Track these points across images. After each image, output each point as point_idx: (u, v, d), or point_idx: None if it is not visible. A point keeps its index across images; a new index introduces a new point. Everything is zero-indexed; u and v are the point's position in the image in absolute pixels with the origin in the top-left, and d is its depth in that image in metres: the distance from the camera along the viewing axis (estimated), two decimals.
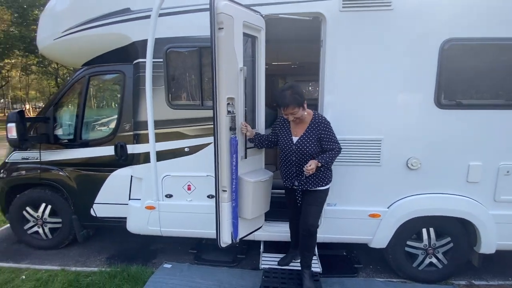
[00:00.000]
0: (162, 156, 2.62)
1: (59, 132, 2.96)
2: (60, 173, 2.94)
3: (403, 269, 2.57)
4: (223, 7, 1.86)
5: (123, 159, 2.78)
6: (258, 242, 2.87)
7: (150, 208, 2.72)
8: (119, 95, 2.91)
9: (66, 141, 2.94)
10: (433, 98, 2.25)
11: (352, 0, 2.22)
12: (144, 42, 2.42)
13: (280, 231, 2.64)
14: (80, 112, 2.89)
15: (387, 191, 2.44)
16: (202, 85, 2.52)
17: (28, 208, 3.07)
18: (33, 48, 19.27)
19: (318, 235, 2.31)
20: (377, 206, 2.46)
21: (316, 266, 2.50)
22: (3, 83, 28.92)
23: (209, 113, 2.51)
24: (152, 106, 2.51)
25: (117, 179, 2.85)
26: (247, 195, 2.17)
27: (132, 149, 2.76)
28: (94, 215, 2.96)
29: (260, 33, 2.27)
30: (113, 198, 2.90)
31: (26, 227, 3.14)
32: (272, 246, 2.86)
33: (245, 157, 2.26)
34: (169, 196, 2.70)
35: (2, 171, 3.11)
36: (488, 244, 2.35)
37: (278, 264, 2.57)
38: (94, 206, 2.93)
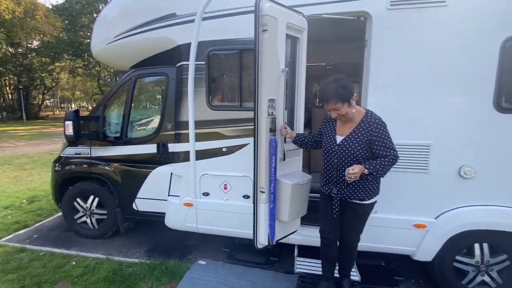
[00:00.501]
0: (201, 155, 2.71)
1: (107, 130, 3.18)
2: (107, 168, 3.16)
3: (450, 286, 2.38)
4: (268, 9, 1.88)
5: (164, 157, 2.92)
6: (291, 245, 2.83)
7: (188, 205, 2.81)
8: (162, 96, 3.06)
9: (113, 138, 3.15)
10: (492, 101, 2.06)
11: None
12: (188, 45, 2.53)
13: (316, 236, 2.57)
14: (126, 112, 3.08)
15: (435, 201, 2.27)
16: (242, 86, 2.56)
17: (78, 199, 3.35)
18: (80, 52, 21.13)
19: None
20: (423, 216, 2.30)
21: (354, 274, 2.40)
22: (54, 84, 31.98)
23: (247, 114, 2.56)
24: (194, 107, 2.61)
25: (158, 176, 2.99)
26: (285, 197, 2.15)
27: (173, 147, 2.89)
28: (136, 209, 3.14)
29: (302, 34, 2.25)
30: (153, 193, 3.05)
31: (76, 216, 3.42)
32: (306, 251, 2.80)
33: (284, 159, 2.25)
34: (206, 194, 2.78)
35: (57, 164, 3.42)
36: None
37: None
38: (136, 200, 3.11)
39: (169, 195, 2.98)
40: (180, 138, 2.80)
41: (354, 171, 1.74)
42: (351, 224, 2.04)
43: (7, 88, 27.49)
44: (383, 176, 1.88)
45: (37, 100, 30.00)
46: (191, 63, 2.49)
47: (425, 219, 2.29)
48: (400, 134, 2.22)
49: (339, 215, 2.04)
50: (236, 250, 3.08)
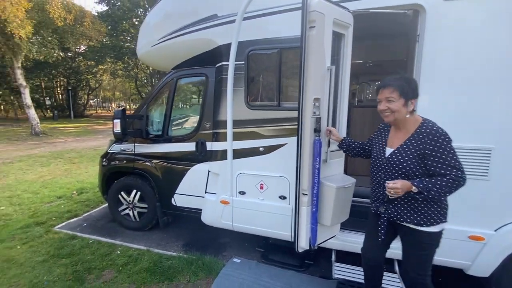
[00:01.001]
0: (237, 154, 2.73)
1: (150, 128, 3.35)
2: (149, 164, 3.33)
3: None
4: (316, 4, 1.82)
5: (202, 155, 3.00)
6: (327, 249, 2.74)
7: (224, 202, 2.86)
8: (201, 96, 3.14)
9: (155, 136, 3.31)
10: None
11: None
12: (228, 46, 2.56)
13: (355, 242, 2.47)
14: (167, 111, 3.22)
15: (496, 211, 2.05)
16: (281, 86, 2.54)
17: (122, 193, 3.57)
18: (121, 55, 22.63)
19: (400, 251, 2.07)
20: (480, 227, 2.09)
21: (399, 286, 2.25)
22: (97, 85, 34.68)
23: (285, 114, 2.54)
24: (232, 107, 2.64)
25: (196, 173, 3.08)
26: (329, 201, 2.08)
27: (210, 146, 2.95)
28: (175, 204, 3.27)
29: (348, 30, 2.16)
30: (191, 190, 3.14)
31: (120, 208, 3.65)
32: (344, 256, 2.70)
33: (326, 161, 2.18)
34: (242, 193, 2.80)
35: (104, 159, 3.69)
36: None
37: None
38: (175, 196, 3.23)
39: (206, 192, 3.05)
40: (218, 137, 2.86)
41: (395, 185, 1.51)
42: (410, 253, 1.72)
43: (58, 89, 30.44)
44: (441, 198, 1.58)
45: (82, 100, 32.79)
46: (231, 63, 2.51)
47: (483, 231, 2.08)
48: (457, 137, 2.01)
49: (386, 237, 1.78)
50: (270, 250, 3.06)
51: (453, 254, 2.17)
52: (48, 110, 28.11)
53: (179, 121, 3.49)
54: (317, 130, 2.01)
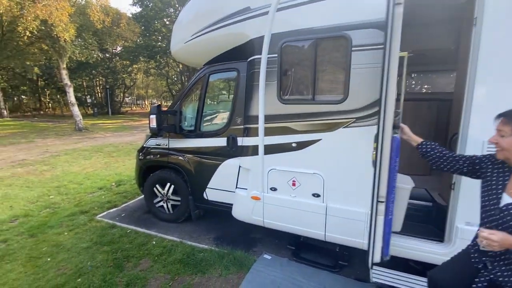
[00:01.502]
0: (269, 149, 2.68)
1: (183, 123, 3.42)
2: (182, 158, 3.41)
3: None
4: None
5: (233, 150, 2.99)
6: (361, 250, 2.58)
7: (255, 198, 2.83)
8: (233, 91, 3.14)
9: (188, 131, 3.37)
10: None
11: None
12: (261, 39, 2.49)
13: (398, 245, 2.31)
14: (200, 106, 3.26)
15: None
16: (316, 78, 2.43)
17: (157, 186, 3.71)
18: (153, 54, 23.67)
19: (448, 258, 1.87)
20: None
21: None
22: (132, 84, 36.68)
23: (320, 108, 2.43)
24: (264, 101, 2.59)
25: (227, 168, 3.09)
26: (402, 204, 1.85)
27: (241, 141, 2.94)
28: (206, 198, 3.32)
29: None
30: (222, 184, 3.17)
31: (155, 201, 3.80)
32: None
33: None
34: (273, 189, 2.75)
35: (141, 153, 3.85)
36: None
37: None
38: (207, 190, 3.28)
39: (236, 187, 3.05)
40: (249, 132, 2.83)
41: (491, 236, 1.19)
42: None
43: (98, 88, 32.74)
44: None
45: (119, 97, 34.91)
46: (264, 56, 2.45)
47: None
48: None
49: None
50: (301, 248, 2.99)
51: None
52: (89, 108, 30.37)
53: (211, 116, 3.53)
54: (396, 126, 1.78)
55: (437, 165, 1.64)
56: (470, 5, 1.96)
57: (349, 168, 2.39)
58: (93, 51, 17.06)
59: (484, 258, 1.37)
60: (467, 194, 2.01)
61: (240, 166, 3.00)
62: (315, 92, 2.46)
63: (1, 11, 10.64)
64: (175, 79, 30.62)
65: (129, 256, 2.91)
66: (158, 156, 3.62)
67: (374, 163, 1.81)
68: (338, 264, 2.74)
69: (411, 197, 2.37)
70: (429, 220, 2.69)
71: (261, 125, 2.65)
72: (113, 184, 5.53)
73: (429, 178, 3.50)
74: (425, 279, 2.25)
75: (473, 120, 1.94)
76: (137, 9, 28.58)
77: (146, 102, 52.24)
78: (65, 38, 12.76)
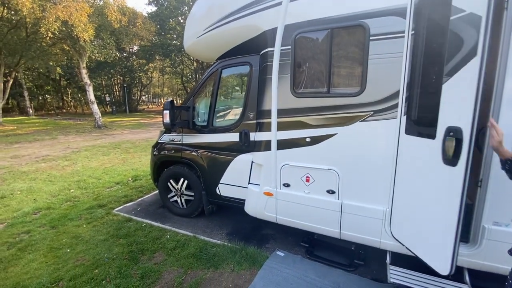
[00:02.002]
0: (282, 144, 2.62)
1: (196, 119, 3.42)
2: (195, 154, 3.42)
3: None
4: None
5: (246, 146, 2.96)
6: (378, 250, 2.48)
7: (268, 194, 2.79)
8: (245, 86, 3.09)
9: (201, 126, 3.37)
10: None
11: None
12: (274, 30, 2.44)
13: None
14: (212, 102, 3.25)
15: None
16: (331, 70, 2.34)
17: (171, 181, 3.75)
18: (168, 52, 24.05)
19: (473, 260, 1.74)
20: None
21: None
22: (148, 82, 37.55)
23: (335, 101, 2.34)
24: (277, 95, 2.53)
25: (240, 163, 3.06)
26: None
27: (254, 136, 2.89)
28: (219, 193, 3.31)
29: None
30: (235, 180, 3.15)
31: (169, 195, 3.85)
32: (399, 259, 2.43)
33: None
34: (286, 185, 2.70)
35: (155, 149, 3.90)
36: None
37: None
38: (220, 185, 3.27)
39: (249, 183, 3.02)
40: (261, 127, 2.78)
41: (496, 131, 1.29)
42: None
43: (116, 86, 33.77)
44: None
45: (136, 96, 35.87)
46: (277, 48, 2.39)
47: None
48: None
49: None
50: (315, 246, 2.92)
51: None
52: (108, 106, 31.42)
53: (224, 111, 3.51)
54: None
55: None
56: None
57: (366, 164, 2.30)
58: (111, 51, 17.54)
59: None
60: (496, 191, 1.86)
61: (252, 162, 2.96)
62: (330, 85, 2.37)
63: (24, 13, 11.11)
64: (190, 77, 31.03)
65: (144, 249, 2.96)
66: (172, 151, 3.65)
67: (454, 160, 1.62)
68: (353, 263, 2.65)
69: None
70: None
71: (274, 119, 2.60)
72: (130, 179, 5.67)
73: None
74: (445, 281, 2.14)
75: (503, 114, 1.79)
76: (152, 8, 29.19)
77: (162, 100, 53.36)
78: (84, 38, 13.20)
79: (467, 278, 2.10)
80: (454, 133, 1.61)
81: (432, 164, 1.80)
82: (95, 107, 15.72)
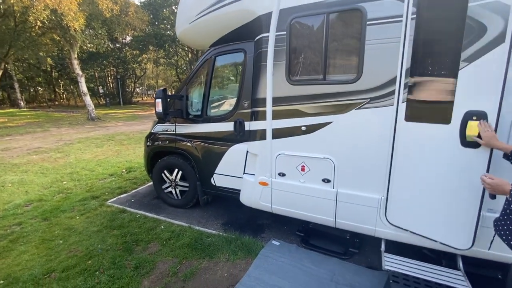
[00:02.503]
0: (277, 133, 2.59)
1: (190, 108, 3.35)
2: (189, 144, 3.36)
3: None
4: None
5: (241, 135, 2.91)
6: (372, 238, 2.48)
7: (263, 184, 2.76)
8: (240, 74, 3.02)
9: (195, 116, 3.30)
10: None
11: None
12: (269, 15, 2.37)
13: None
14: (206, 90, 3.17)
15: None
16: (327, 56, 2.28)
17: (165, 172, 3.70)
18: (162, 43, 23.57)
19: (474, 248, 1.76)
20: None
21: (464, 285, 1.96)
22: (142, 74, 36.93)
23: (331, 89, 2.29)
24: (272, 82, 2.47)
25: (234, 153, 3.02)
26: None
27: (249, 125, 2.84)
28: (214, 184, 3.28)
29: None
30: (230, 170, 3.11)
31: (163, 186, 3.80)
32: (393, 247, 2.44)
33: None
34: (282, 174, 2.67)
35: (148, 140, 3.83)
36: None
37: None
38: (214, 176, 3.23)
39: (244, 173, 2.99)
40: (256, 116, 2.72)
41: (490, 181, 1.37)
42: None
43: (109, 78, 33.13)
44: None
45: (130, 88, 35.26)
46: (272, 34, 2.32)
47: None
48: None
49: None
50: (311, 235, 2.93)
51: None
52: (102, 98, 30.87)
53: (218, 100, 3.43)
54: None
55: None
56: None
57: (362, 152, 2.27)
58: (103, 41, 17.12)
59: None
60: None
61: (247, 151, 2.92)
62: (326, 72, 2.31)
63: (12, 1, 10.71)
64: (184, 68, 30.55)
65: (138, 240, 2.93)
66: (166, 142, 3.59)
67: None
68: (348, 252, 2.66)
69: None
70: None
71: (269, 108, 2.55)
72: (124, 170, 5.60)
73: None
74: (439, 268, 2.15)
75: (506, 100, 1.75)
76: None
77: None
78: (75, 28, 12.81)
79: (460, 264, 2.12)
80: (477, 116, 1.70)
81: (445, 148, 1.85)
82: (88, 99, 15.41)
